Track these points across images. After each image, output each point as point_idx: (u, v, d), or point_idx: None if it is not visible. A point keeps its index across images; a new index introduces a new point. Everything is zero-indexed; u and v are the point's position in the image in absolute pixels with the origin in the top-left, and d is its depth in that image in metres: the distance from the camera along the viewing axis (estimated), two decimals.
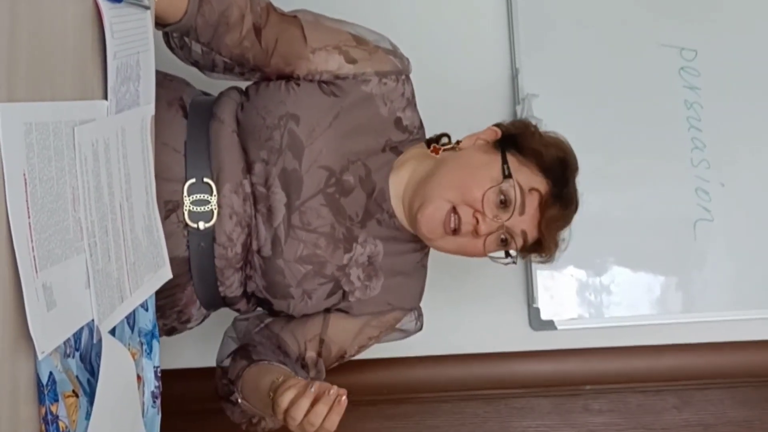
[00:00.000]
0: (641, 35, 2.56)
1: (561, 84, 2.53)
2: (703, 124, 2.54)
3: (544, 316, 2.49)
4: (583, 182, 1.83)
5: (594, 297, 2.51)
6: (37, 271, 1.03)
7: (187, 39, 1.71)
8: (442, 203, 1.72)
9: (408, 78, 1.86)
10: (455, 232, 1.72)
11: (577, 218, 1.83)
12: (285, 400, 1.52)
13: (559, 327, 2.49)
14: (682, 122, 2.55)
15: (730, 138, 2.55)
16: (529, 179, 1.75)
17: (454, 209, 1.72)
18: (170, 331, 1.84)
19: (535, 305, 2.49)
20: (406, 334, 1.92)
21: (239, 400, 1.79)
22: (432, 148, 1.85)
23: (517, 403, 2.60)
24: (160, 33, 1.69)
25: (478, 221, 1.71)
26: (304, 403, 1.50)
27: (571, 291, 2.51)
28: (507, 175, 1.73)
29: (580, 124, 2.46)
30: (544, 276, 2.48)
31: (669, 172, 2.53)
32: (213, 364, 1.94)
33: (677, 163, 2.53)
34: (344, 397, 1.50)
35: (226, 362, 1.88)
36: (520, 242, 1.75)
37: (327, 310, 1.84)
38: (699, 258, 2.53)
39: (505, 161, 1.75)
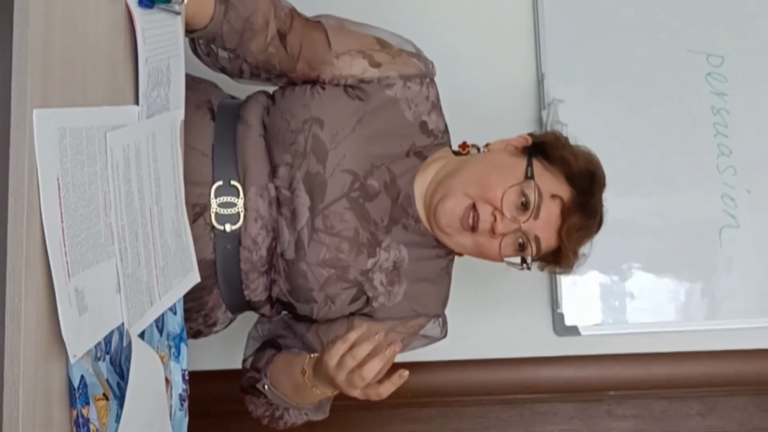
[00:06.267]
0: (668, 41, 2.55)
1: (587, 89, 2.53)
2: (729, 130, 2.53)
3: (568, 321, 2.49)
4: (608, 187, 1.83)
5: (618, 303, 2.51)
6: (69, 276, 1.04)
7: (213, 46, 1.72)
8: (463, 198, 1.72)
9: (432, 81, 1.86)
10: (473, 229, 1.72)
11: (602, 224, 1.83)
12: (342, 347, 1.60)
13: (583, 333, 2.49)
14: (708, 128, 2.53)
15: (757, 144, 2.53)
16: (551, 185, 1.75)
17: (473, 206, 1.72)
18: (196, 334, 1.85)
19: (559, 311, 2.48)
20: (431, 340, 1.92)
21: (266, 387, 1.81)
22: (462, 144, 1.86)
23: (541, 408, 2.60)
24: (187, 38, 1.70)
25: (496, 219, 1.71)
26: (365, 348, 1.58)
27: (595, 297, 2.51)
28: (529, 177, 1.73)
29: (605, 129, 2.46)
30: (569, 282, 2.48)
31: (695, 178, 2.52)
32: (237, 366, 1.95)
33: (703, 170, 2.52)
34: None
35: (253, 357, 1.90)
36: (534, 248, 1.74)
37: (351, 314, 1.84)
38: (724, 265, 2.51)
39: (530, 164, 1.76)
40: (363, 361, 1.58)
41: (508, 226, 1.71)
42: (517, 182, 1.72)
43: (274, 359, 1.82)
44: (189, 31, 1.65)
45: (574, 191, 1.75)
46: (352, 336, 1.60)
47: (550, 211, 1.73)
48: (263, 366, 1.83)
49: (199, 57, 1.77)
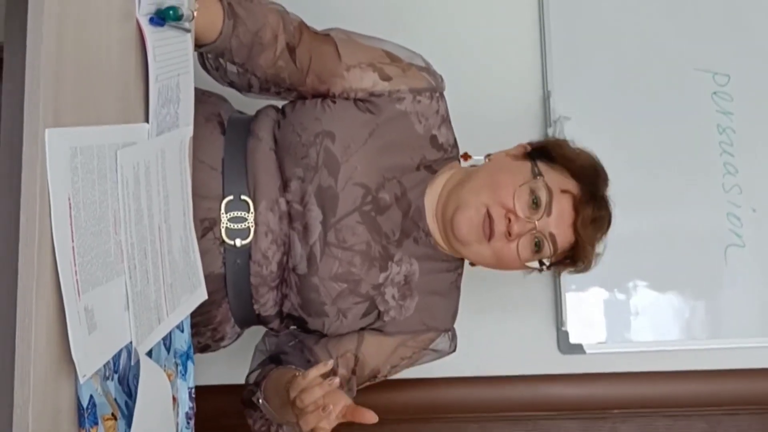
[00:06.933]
0: (674, 59, 2.55)
1: (593, 107, 2.53)
2: (735, 149, 2.53)
3: (573, 339, 2.48)
4: (614, 205, 1.83)
5: (623, 321, 2.50)
6: (79, 295, 1.04)
7: (222, 60, 1.72)
8: (479, 206, 1.72)
9: (442, 95, 1.87)
10: (490, 236, 1.72)
11: (607, 240, 1.84)
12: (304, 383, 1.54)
13: (587, 351, 2.48)
14: (714, 147, 2.53)
15: (763, 164, 2.53)
16: (559, 181, 1.76)
17: (488, 212, 1.72)
18: (204, 349, 1.85)
19: (564, 328, 2.48)
20: (440, 354, 1.92)
21: (260, 401, 1.80)
22: (463, 154, 1.87)
23: (545, 425, 2.59)
24: (196, 53, 1.70)
25: (510, 221, 1.71)
26: (314, 394, 1.52)
27: (599, 314, 2.50)
28: (537, 174, 1.74)
29: (611, 147, 2.43)
30: (573, 299, 2.48)
31: (701, 197, 2.52)
32: (243, 381, 1.95)
33: (709, 188, 2.52)
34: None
35: (255, 372, 1.89)
36: (550, 247, 1.74)
37: (361, 329, 1.84)
38: (729, 283, 2.51)
39: (534, 164, 1.77)
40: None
41: (524, 226, 1.71)
42: (525, 181, 1.73)
43: (269, 375, 1.81)
44: (197, 45, 1.65)
45: (581, 185, 1.76)
46: (311, 374, 1.55)
47: (562, 206, 1.74)
48: (260, 380, 1.82)
49: (208, 71, 1.77)
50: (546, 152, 1.82)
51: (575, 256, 1.79)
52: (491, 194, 1.73)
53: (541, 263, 1.79)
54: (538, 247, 1.73)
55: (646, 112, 2.53)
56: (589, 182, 1.78)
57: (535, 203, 1.71)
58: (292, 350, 1.88)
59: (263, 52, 1.72)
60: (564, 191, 1.75)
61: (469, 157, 1.89)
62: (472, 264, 1.88)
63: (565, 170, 1.78)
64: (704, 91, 2.55)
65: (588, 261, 1.80)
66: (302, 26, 1.79)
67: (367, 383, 1.90)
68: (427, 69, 1.87)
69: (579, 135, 2.36)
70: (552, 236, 1.73)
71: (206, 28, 1.63)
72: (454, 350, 1.94)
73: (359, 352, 1.84)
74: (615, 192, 1.84)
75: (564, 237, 1.75)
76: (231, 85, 1.80)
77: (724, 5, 2.58)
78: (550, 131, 2.48)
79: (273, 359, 1.88)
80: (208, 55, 1.72)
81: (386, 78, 1.81)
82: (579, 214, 1.74)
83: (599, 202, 1.78)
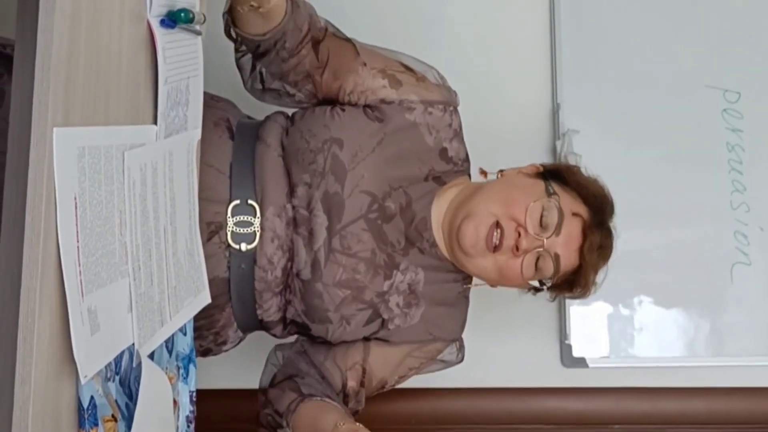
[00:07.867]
0: (685, 75, 2.54)
1: (602, 120, 2.52)
2: (744, 167, 2.52)
3: (576, 353, 2.47)
4: (621, 219, 1.84)
5: (627, 336, 2.49)
6: (83, 295, 1.04)
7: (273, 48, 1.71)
8: (488, 216, 1.73)
9: (455, 109, 1.88)
10: (496, 248, 1.72)
11: (613, 255, 1.84)
12: None
13: (590, 365, 2.48)
14: (723, 164, 2.53)
15: None
16: (571, 204, 1.77)
17: (497, 224, 1.72)
18: (206, 353, 1.84)
19: (567, 342, 2.47)
20: (447, 365, 1.92)
21: None
22: (479, 170, 1.88)
23: None
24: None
25: (519, 235, 1.71)
26: None
27: (603, 329, 2.49)
28: (551, 194, 1.75)
29: (620, 161, 2.45)
30: (577, 313, 2.47)
31: (708, 214, 2.51)
32: (246, 385, 1.95)
33: (716, 205, 2.51)
34: None
35: (272, 392, 1.86)
36: (551, 266, 1.74)
37: (367, 339, 1.84)
38: (735, 301, 2.50)
39: (549, 183, 1.78)
40: None
41: (532, 243, 1.72)
42: (539, 198, 1.73)
43: (297, 409, 1.76)
44: (262, 34, 1.66)
45: (591, 211, 1.78)
46: None
47: (572, 229, 1.75)
48: (285, 412, 1.78)
49: (239, 59, 1.77)
50: (559, 175, 1.83)
51: (575, 281, 1.80)
52: (503, 207, 1.73)
53: (541, 284, 1.80)
54: (541, 267, 1.75)
55: (655, 128, 2.53)
56: (599, 210, 1.80)
57: (545, 222, 1.72)
58: (306, 368, 1.86)
59: (297, 40, 1.72)
60: (575, 214, 1.76)
61: (486, 173, 1.88)
62: (474, 280, 1.88)
63: (577, 195, 1.79)
64: (714, 108, 2.54)
65: (587, 287, 1.82)
66: (327, 25, 1.82)
67: (375, 393, 1.90)
68: (441, 84, 1.89)
69: (587, 149, 2.38)
70: (557, 257, 1.74)
71: (274, 11, 1.63)
72: (462, 360, 1.94)
73: (366, 364, 1.84)
74: (622, 207, 1.85)
75: (568, 259, 1.76)
76: (255, 79, 1.80)
77: (736, 22, 2.58)
78: (558, 144, 2.48)
79: (291, 385, 1.83)
80: (261, 43, 1.69)
81: (397, 83, 1.82)
82: (587, 238, 1.76)
83: (606, 231, 1.80)
